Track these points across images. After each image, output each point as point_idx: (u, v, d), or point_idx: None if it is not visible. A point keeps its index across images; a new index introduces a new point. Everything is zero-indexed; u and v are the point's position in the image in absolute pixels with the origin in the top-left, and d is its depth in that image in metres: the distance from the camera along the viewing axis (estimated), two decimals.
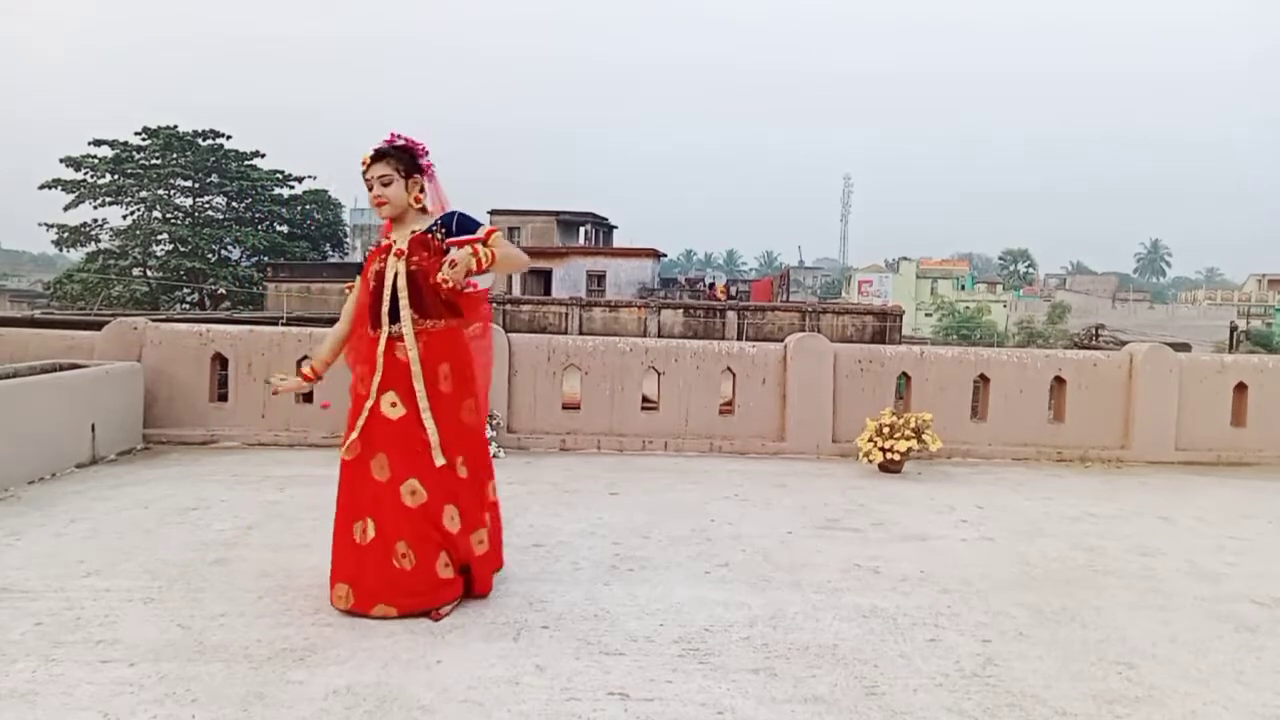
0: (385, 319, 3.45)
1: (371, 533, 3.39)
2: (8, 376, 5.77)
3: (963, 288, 69.87)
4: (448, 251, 3.40)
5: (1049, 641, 3.40)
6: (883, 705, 2.82)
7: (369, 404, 3.44)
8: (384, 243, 3.54)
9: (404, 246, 3.46)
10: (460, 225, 3.50)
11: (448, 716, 2.65)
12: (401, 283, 3.43)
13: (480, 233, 3.45)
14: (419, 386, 3.43)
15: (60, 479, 5.64)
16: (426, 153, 3.55)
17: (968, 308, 60.50)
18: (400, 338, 3.43)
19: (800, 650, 3.24)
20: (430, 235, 3.49)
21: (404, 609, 3.36)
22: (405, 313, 3.43)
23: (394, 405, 3.42)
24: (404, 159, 3.48)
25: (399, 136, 3.51)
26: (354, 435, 3.44)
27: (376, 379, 3.44)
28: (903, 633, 3.44)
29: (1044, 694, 2.94)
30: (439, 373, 3.46)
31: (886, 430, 6.50)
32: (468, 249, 3.29)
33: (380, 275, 3.48)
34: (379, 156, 3.47)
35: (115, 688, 2.79)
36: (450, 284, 3.26)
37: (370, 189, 3.49)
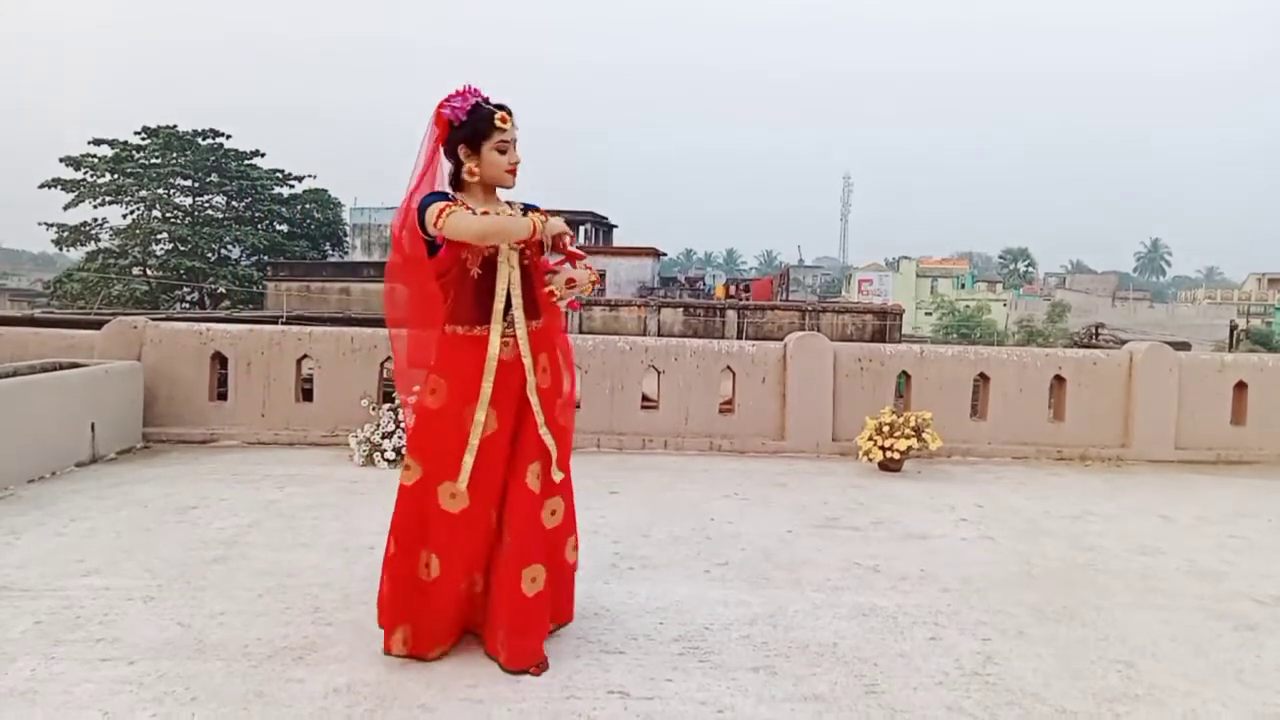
0: (500, 316, 2.96)
1: (479, 580, 3.02)
2: (8, 375, 5.77)
3: (962, 286, 69.82)
4: (542, 252, 3.08)
5: (1049, 640, 3.40)
6: (882, 703, 2.82)
7: (479, 429, 2.92)
8: (462, 201, 2.91)
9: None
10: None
11: (448, 715, 2.65)
12: (516, 278, 2.99)
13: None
14: (534, 399, 3.02)
15: (60, 478, 5.64)
16: None
17: (968, 307, 60.42)
18: (511, 338, 2.98)
19: (800, 649, 3.24)
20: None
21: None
22: (519, 313, 2.98)
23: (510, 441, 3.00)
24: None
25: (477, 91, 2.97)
26: (464, 477, 2.91)
27: (486, 391, 2.93)
28: (902, 631, 3.44)
29: (1044, 692, 2.94)
30: (540, 371, 3.07)
31: (886, 429, 6.50)
32: (586, 271, 3.00)
33: (490, 265, 2.96)
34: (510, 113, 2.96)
35: (115, 686, 2.79)
36: (560, 300, 2.99)
37: (504, 153, 2.91)
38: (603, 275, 37.65)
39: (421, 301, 2.99)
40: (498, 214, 2.93)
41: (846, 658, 3.17)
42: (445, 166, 2.99)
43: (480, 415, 2.91)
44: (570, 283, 2.94)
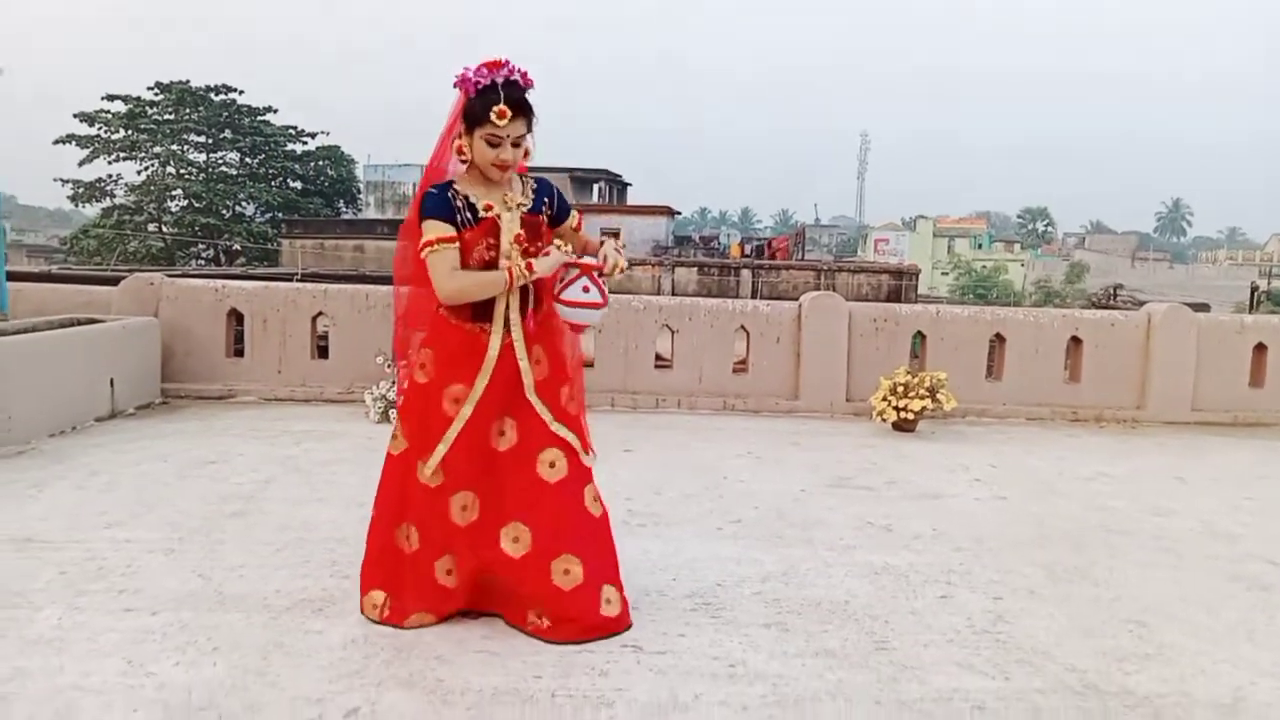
0: (504, 318, 2.88)
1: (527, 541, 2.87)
2: (28, 331, 5.82)
3: (980, 246, 69.18)
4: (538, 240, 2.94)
5: (1060, 599, 3.42)
6: (893, 660, 2.85)
7: (461, 421, 2.86)
8: (463, 195, 2.81)
9: (519, 229, 2.87)
10: (560, 206, 3.03)
11: (463, 666, 2.69)
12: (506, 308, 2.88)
13: (572, 218, 3.07)
14: (535, 400, 2.92)
15: (80, 432, 5.71)
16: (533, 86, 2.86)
17: (985, 267, 59.96)
18: (508, 336, 2.90)
19: (812, 606, 3.27)
20: (541, 218, 2.95)
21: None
22: (515, 314, 2.89)
23: (502, 434, 2.92)
24: (531, 109, 2.79)
25: (517, 69, 2.75)
26: (434, 462, 2.86)
27: (479, 389, 2.86)
28: (914, 589, 3.46)
29: (1054, 650, 2.96)
30: (535, 364, 2.96)
31: (901, 389, 6.49)
32: (616, 255, 2.89)
33: (491, 265, 2.84)
34: (518, 110, 2.74)
35: (138, 635, 2.84)
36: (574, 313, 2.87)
37: (493, 146, 2.74)
38: (616, 234, 37.48)
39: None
40: (499, 213, 2.84)
41: (858, 615, 3.20)
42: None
43: (467, 410, 2.85)
44: (621, 269, 2.87)
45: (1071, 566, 3.78)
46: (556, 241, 2.94)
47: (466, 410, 2.86)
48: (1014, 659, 2.89)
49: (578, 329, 2.99)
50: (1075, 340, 7.57)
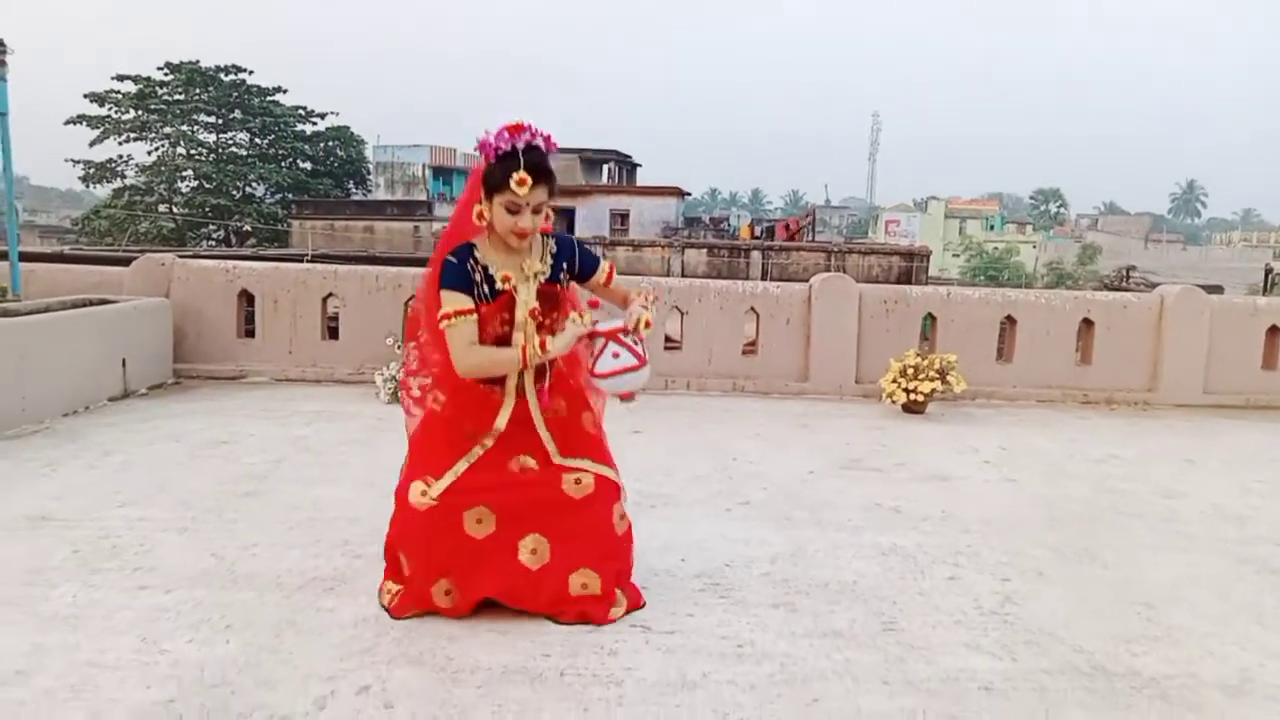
0: (513, 388, 2.87)
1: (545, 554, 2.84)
2: (41, 311, 5.86)
3: (991, 228, 68.72)
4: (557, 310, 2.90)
5: (1069, 581, 3.42)
6: (900, 640, 2.86)
7: (469, 459, 2.83)
8: (482, 264, 2.76)
9: (534, 301, 2.82)
10: (583, 263, 2.93)
11: (472, 645, 2.71)
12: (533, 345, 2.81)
13: (601, 271, 2.96)
14: (552, 449, 2.90)
15: (93, 412, 5.75)
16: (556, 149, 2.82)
17: (996, 248, 59.60)
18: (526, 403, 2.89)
19: (820, 586, 3.28)
20: (560, 288, 2.89)
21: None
22: (529, 386, 2.88)
23: (520, 465, 2.86)
24: (553, 175, 2.74)
25: (539, 133, 2.70)
26: (436, 490, 2.79)
27: (495, 433, 2.86)
28: (922, 571, 3.47)
29: (1061, 632, 2.96)
30: (552, 417, 2.94)
31: (911, 371, 6.47)
32: (643, 310, 2.77)
33: (505, 341, 2.81)
34: (538, 177, 2.67)
35: (152, 613, 2.88)
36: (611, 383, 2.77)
37: (513, 213, 2.68)
38: (626, 216, 37.41)
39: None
40: (516, 284, 2.78)
41: (866, 596, 3.21)
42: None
43: (478, 450, 2.83)
44: (648, 324, 2.75)
45: (1080, 548, 3.78)
46: (572, 315, 2.80)
47: (477, 450, 2.84)
48: (1021, 640, 2.90)
49: (626, 398, 2.84)
50: (1087, 322, 7.53)
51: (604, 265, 2.98)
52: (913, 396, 6.42)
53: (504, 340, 2.81)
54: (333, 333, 7.43)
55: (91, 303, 6.47)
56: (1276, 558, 3.77)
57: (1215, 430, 6.46)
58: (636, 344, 2.73)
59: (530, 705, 2.40)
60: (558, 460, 2.90)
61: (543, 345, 2.74)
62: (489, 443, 2.85)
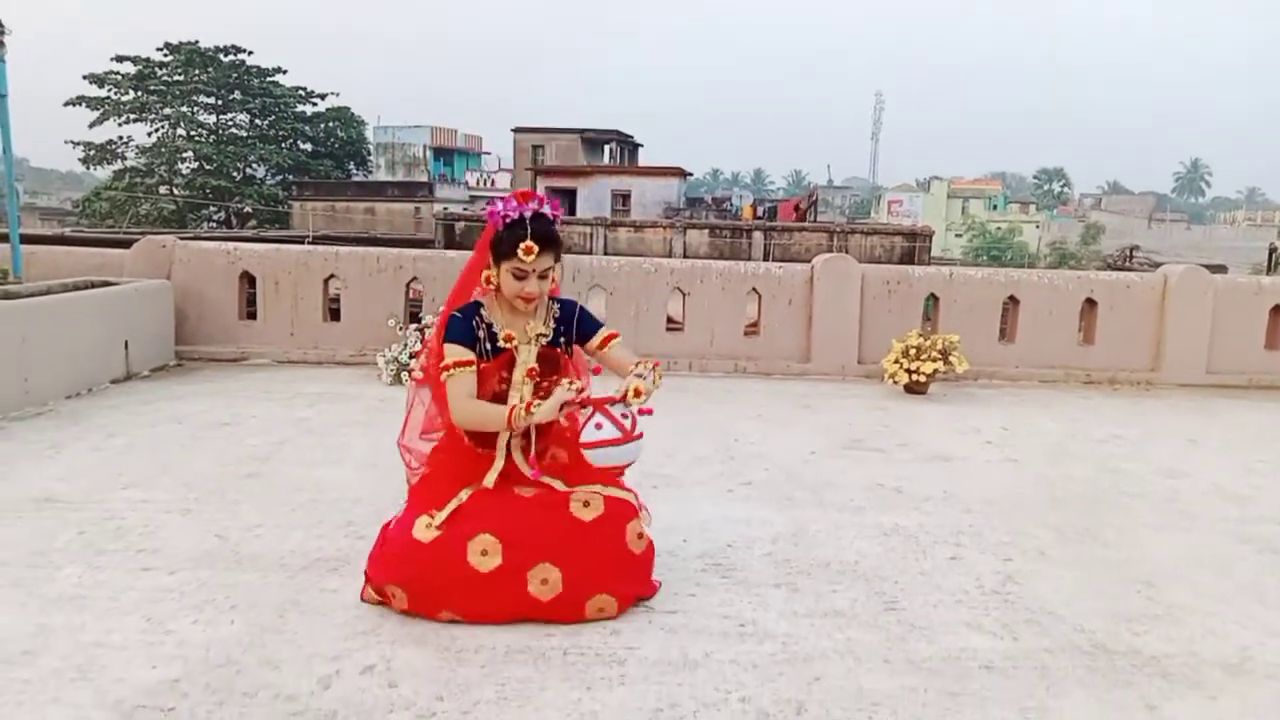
0: (506, 449, 2.88)
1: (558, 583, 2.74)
2: (43, 293, 5.86)
3: (995, 208, 68.48)
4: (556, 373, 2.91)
5: (1070, 561, 3.43)
6: (902, 620, 2.87)
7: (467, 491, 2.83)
8: (486, 322, 2.81)
9: (534, 363, 2.86)
10: (583, 327, 2.95)
11: (476, 626, 2.71)
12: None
13: (599, 335, 2.95)
14: (555, 485, 2.88)
15: (96, 394, 5.76)
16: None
17: (999, 228, 59.43)
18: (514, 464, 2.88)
19: (822, 566, 3.29)
20: (560, 351, 2.93)
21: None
22: (516, 449, 2.89)
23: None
24: (560, 242, 2.80)
25: (546, 201, 2.78)
26: (440, 517, 2.75)
27: (490, 479, 2.85)
28: (924, 551, 3.48)
29: (1062, 611, 2.97)
30: (550, 458, 2.96)
31: (913, 352, 6.47)
32: (638, 379, 2.72)
33: (500, 397, 2.83)
34: (545, 245, 2.73)
35: (157, 593, 2.89)
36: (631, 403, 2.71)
37: (519, 279, 2.74)
38: (627, 196, 37.27)
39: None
40: (518, 344, 2.83)
41: (867, 575, 3.22)
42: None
43: (485, 482, 2.84)
44: (638, 392, 2.69)
45: (1082, 528, 3.79)
46: (564, 381, 2.80)
47: (484, 482, 2.84)
48: (1023, 619, 2.91)
49: (614, 471, 2.75)
50: (1090, 302, 7.52)
51: (603, 331, 2.98)
52: (915, 377, 6.42)
53: (501, 398, 2.83)
54: (334, 314, 7.43)
55: (93, 285, 6.47)
56: (1278, 537, 3.77)
57: (1218, 410, 6.46)
58: (624, 416, 2.64)
59: (533, 684, 2.41)
60: (564, 489, 2.86)
61: (528, 408, 2.71)
62: (489, 483, 2.83)
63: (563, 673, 2.48)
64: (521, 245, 2.69)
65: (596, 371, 3.01)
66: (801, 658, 2.60)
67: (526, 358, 2.87)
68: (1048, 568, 3.35)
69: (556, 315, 2.94)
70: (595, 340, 2.95)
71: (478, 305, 2.85)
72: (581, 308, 2.99)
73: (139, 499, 3.77)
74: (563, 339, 2.94)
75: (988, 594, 3.10)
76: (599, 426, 2.63)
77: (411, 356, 6.32)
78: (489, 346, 2.82)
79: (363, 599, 2.87)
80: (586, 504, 2.81)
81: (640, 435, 2.66)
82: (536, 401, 2.75)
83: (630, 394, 2.68)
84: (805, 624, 2.82)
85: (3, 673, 2.38)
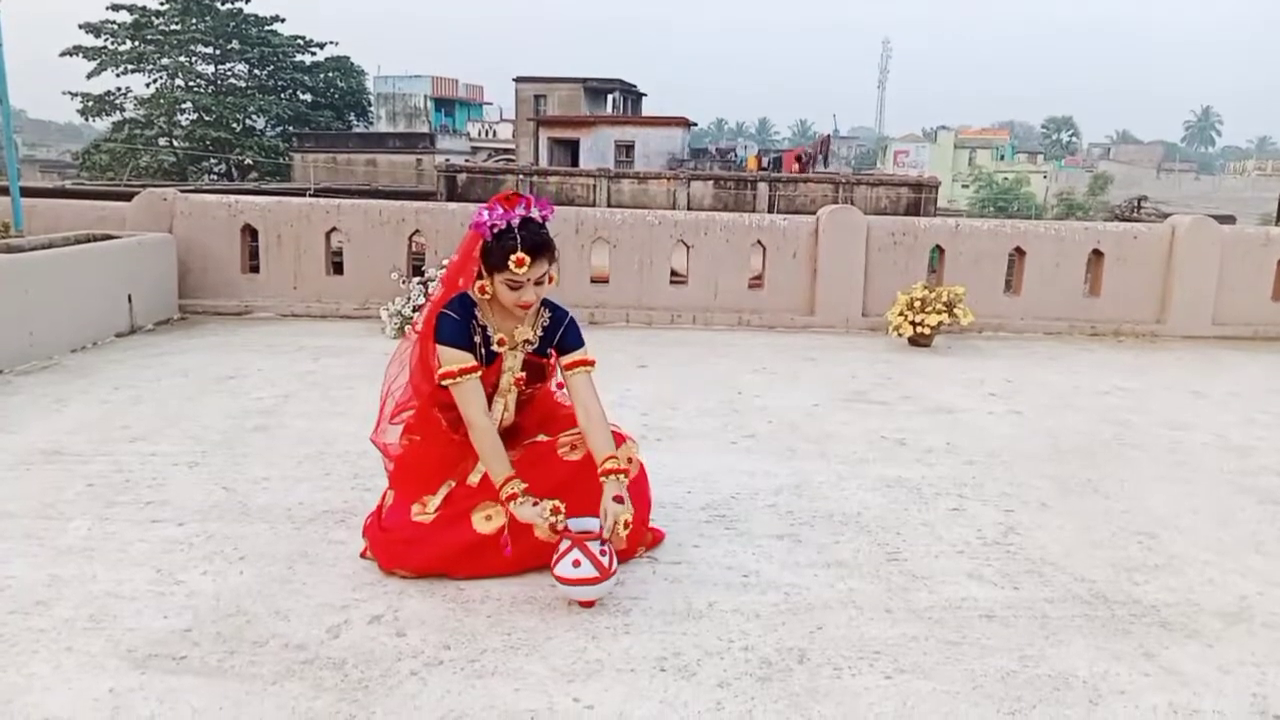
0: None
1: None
2: (45, 247, 5.84)
3: (1002, 158, 67.85)
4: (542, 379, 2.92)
5: (1071, 512, 3.45)
6: (904, 570, 2.90)
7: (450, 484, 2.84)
8: (481, 325, 2.74)
9: (520, 370, 2.83)
10: (566, 340, 2.85)
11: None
12: (511, 407, 2.86)
13: (576, 354, 2.85)
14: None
15: (101, 348, 5.77)
16: (553, 214, 2.78)
17: (1006, 179, 58.90)
18: None
19: (824, 518, 3.31)
20: (545, 360, 2.88)
21: None
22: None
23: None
24: (552, 245, 2.70)
25: (534, 204, 2.68)
26: (434, 503, 2.78)
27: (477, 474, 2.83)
28: (926, 502, 3.50)
29: (1063, 562, 3.00)
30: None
31: (918, 304, 6.44)
32: (620, 509, 2.62)
33: (490, 393, 2.80)
34: (537, 253, 2.62)
35: (166, 545, 2.92)
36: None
37: (514, 289, 2.64)
38: (631, 147, 36.91)
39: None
40: (506, 350, 2.77)
41: (870, 527, 3.24)
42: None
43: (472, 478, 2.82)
44: (628, 524, 2.62)
45: (1083, 480, 3.81)
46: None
47: (468, 480, 2.83)
48: (1023, 569, 2.93)
49: (585, 605, 2.61)
50: (1097, 254, 7.47)
51: (578, 353, 2.85)
52: (919, 329, 6.41)
53: (488, 398, 2.79)
54: (337, 268, 7.41)
55: (95, 238, 6.45)
56: (1278, 488, 3.79)
57: (1223, 361, 6.45)
58: (602, 554, 2.55)
59: (539, 633, 2.45)
60: (546, 439, 2.92)
61: (513, 499, 2.64)
62: (474, 480, 2.81)
63: (568, 622, 2.51)
64: (512, 258, 2.58)
65: (560, 387, 2.98)
66: (804, 607, 2.63)
67: (513, 364, 2.81)
68: (1049, 518, 3.38)
69: (545, 324, 2.85)
70: (568, 359, 2.85)
71: (471, 304, 2.75)
72: (571, 319, 2.89)
73: (146, 452, 3.79)
74: (549, 348, 2.86)
75: (989, 544, 3.12)
76: (576, 564, 2.54)
77: (415, 310, 6.31)
78: (484, 351, 2.74)
79: (363, 556, 2.89)
80: (574, 446, 2.86)
81: (615, 572, 2.58)
82: (523, 498, 2.64)
83: (620, 528, 2.60)
84: (808, 574, 2.85)
85: (17, 622, 2.42)
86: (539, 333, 2.84)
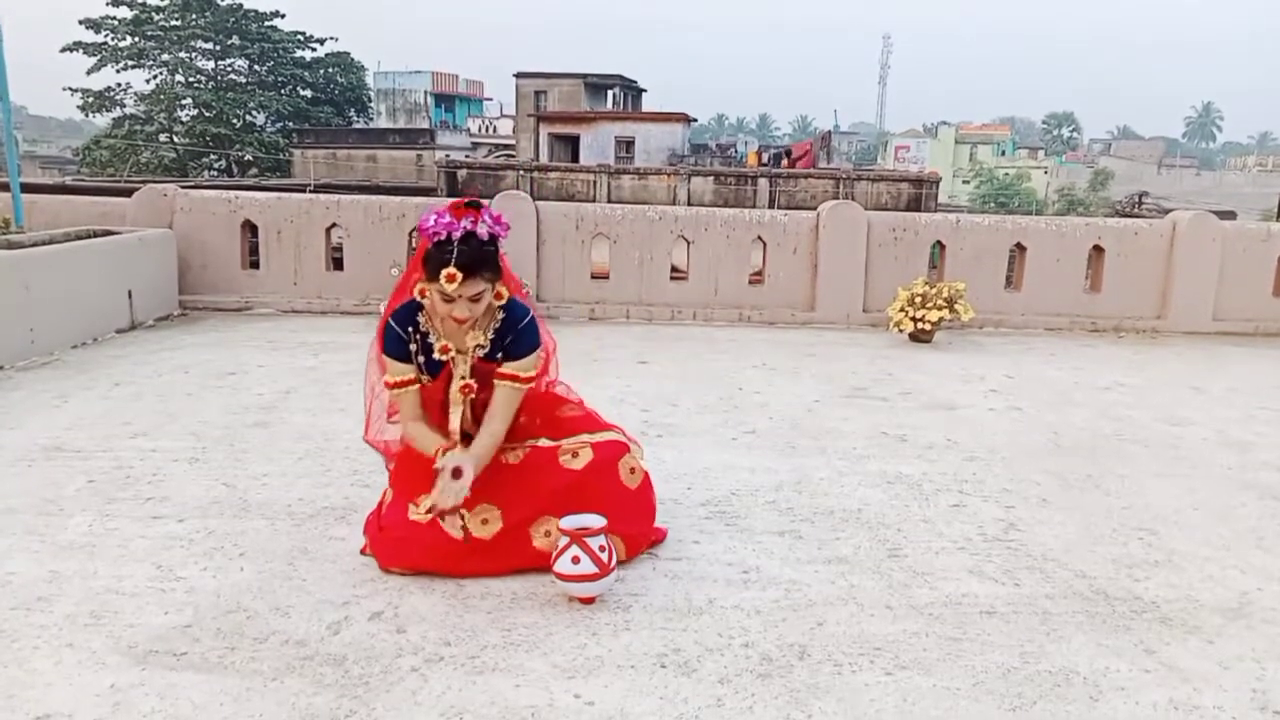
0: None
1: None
2: (46, 243, 5.84)
3: (1003, 154, 67.75)
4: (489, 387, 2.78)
5: (1072, 508, 3.45)
6: (904, 566, 2.90)
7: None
8: (421, 333, 2.70)
9: (469, 377, 2.74)
10: (515, 346, 2.72)
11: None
12: (467, 415, 2.78)
13: (530, 361, 2.73)
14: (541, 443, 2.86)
15: (102, 344, 5.77)
16: (507, 234, 2.66)
17: (1007, 174, 58.83)
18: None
19: (825, 514, 3.31)
20: (495, 365, 2.73)
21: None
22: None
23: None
24: (494, 263, 2.59)
25: (486, 218, 2.56)
26: (425, 504, 2.69)
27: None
28: (927, 498, 3.50)
29: (1064, 558, 3.00)
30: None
31: (918, 300, 6.44)
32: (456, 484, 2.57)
33: (441, 400, 2.77)
34: (471, 270, 2.51)
35: (167, 541, 2.92)
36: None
37: (447, 302, 2.55)
38: (631, 143, 36.84)
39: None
40: (453, 357, 2.70)
41: (870, 523, 3.24)
42: None
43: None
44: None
45: (1084, 475, 3.81)
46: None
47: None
48: (1023, 565, 2.93)
49: (586, 601, 2.60)
50: (1097, 249, 7.46)
51: (523, 364, 2.71)
52: (920, 325, 6.40)
53: (440, 408, 2.79)
54: (337, 264, 7.41)
55: (95, 234, 6.45)
56: (1278, 484, 3.79)
57: (1223, 357, 6.45)
58: (601, 550, 2.54)
59: (540, 629, 2.45)
60: (548, 444, 2.85)
61: (443, 450, 2.65)
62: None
63: (568, 619, 2.51)
64: (444, 272, 2.48)
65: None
66: (804, 604, 2.63)
67: (463, 371, 2.72)
68: (1049, 514, 3.37)
69: (498, 326, 2.72)
70: (505, 369, 2.71)
71: (416, 310, 2.69)
72: (527, 323, 2.73)
73: (147, 448, 3.79)
74: (500, 353, 2.73)
75: (990, 540, 3.12)
76: (576, 561, 2.53)
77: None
78: (423, 359, 2.70)
79: (363, 553, 2.89)
80: (575, 454, 2.81)
81: (615, 568, 2.58)
82: (449, 457, 2.61)
83: (444, 499, 2.58)
84: (808, 571, 2.85)
85: (19, 618, 2.42)
86: (490, 335, 2.72)
